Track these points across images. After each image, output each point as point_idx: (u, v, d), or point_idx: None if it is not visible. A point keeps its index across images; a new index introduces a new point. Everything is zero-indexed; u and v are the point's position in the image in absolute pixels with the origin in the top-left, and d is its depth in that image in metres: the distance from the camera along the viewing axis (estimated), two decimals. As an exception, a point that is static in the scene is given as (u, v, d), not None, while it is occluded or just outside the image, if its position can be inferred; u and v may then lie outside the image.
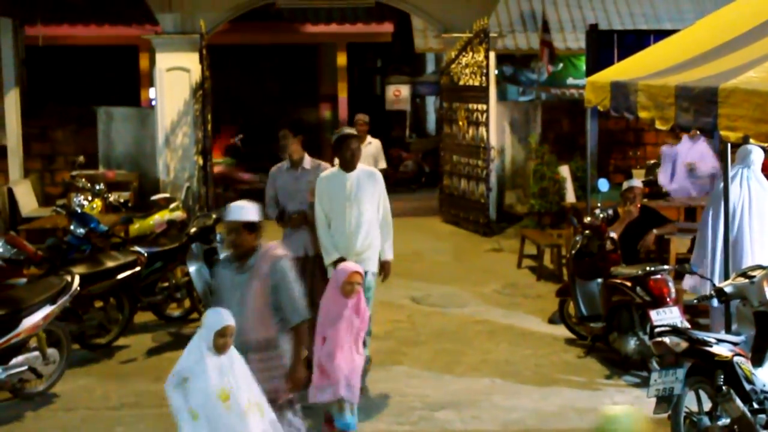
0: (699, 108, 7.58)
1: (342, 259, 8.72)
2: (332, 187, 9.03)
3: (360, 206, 9.00)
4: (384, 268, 9.41)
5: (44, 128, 17.98)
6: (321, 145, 20.33)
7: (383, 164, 14.24)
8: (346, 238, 9.00)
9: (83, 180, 14.60)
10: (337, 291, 7.68)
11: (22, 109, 17.42)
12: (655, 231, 10.65)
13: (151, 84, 19.83)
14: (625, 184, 10.95)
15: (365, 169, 9.23)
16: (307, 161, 9.40)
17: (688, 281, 9.52)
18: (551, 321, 11.36)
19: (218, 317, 6.32)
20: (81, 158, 16.00)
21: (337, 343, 7.60)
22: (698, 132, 14.43)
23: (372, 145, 14.41)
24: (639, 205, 10.80)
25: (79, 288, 9.51)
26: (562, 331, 10.89)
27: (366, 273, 8.61)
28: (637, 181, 11.18)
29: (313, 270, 9.23)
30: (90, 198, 14.08)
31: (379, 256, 9.30)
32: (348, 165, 9.05)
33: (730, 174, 9.01)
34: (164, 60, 17.36)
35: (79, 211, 12.21)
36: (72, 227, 11.32)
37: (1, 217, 15.61)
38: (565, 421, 8.44)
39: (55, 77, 22.89)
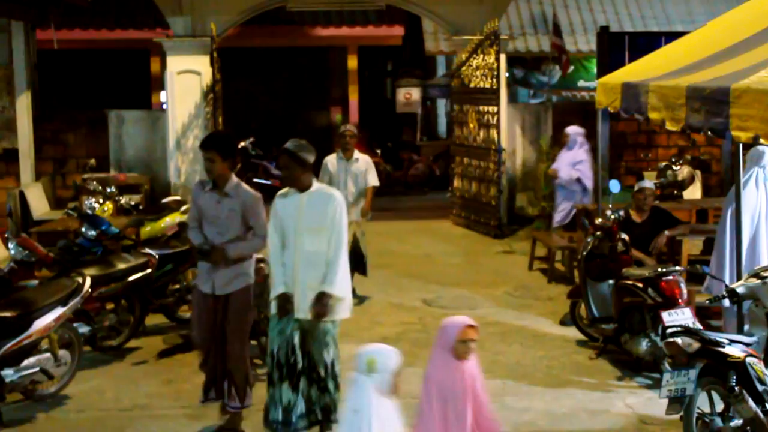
0: (710, 108, 7.54)
1: (286, 296, 7.73)
2: (285, 207, 7.89)
3: (310, 232, 7.75)
4: (318, 301, 7.72)
5: (56, 131, 18.01)
6: (332, 150, 20.28)
7: (373, 181, 12.67)
8: (292, 269, 7.78)
9: (94, 183, 14.63)
10: (449, 354, 6.27)
11: (33, 113, 17.46)
12: (666, 232, 10.63)
13: (162, 87, 19.87)
14: (637, 186, 10.94)
15: (322, 189, 7.95)
16: (231, 184, 8.07)
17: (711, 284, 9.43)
18: (562, 323, 11.35)
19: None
20: (92, 161, 16.07)
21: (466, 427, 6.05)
22: (578, 138, 14.48)
23: (360, 162, 12.61)
24: (650, 207, 10.78)
25: (90, 290, 9.52)
26: (573, 332, 10.87)
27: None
28: (648, 182, 11.15)
29: (217, 310, 8.14)
30: (101, 201, 14.11)
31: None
32: (291, 184, 7.89)
33: (745, 176, 9.01)
34: (175, 63, 17.39)
35: (91, 213, 12.24)
36: (83, 230, 11.33)
37: (13, 219, 15.64)
38: (577, 423, 8.43)
39: (66, 81, 22.95)
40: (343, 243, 7.79)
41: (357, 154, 12.62)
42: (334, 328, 7.98)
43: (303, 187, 7.82)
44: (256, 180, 21.63)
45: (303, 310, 7.72)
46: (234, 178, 8.11)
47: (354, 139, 12.65)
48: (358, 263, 12.23)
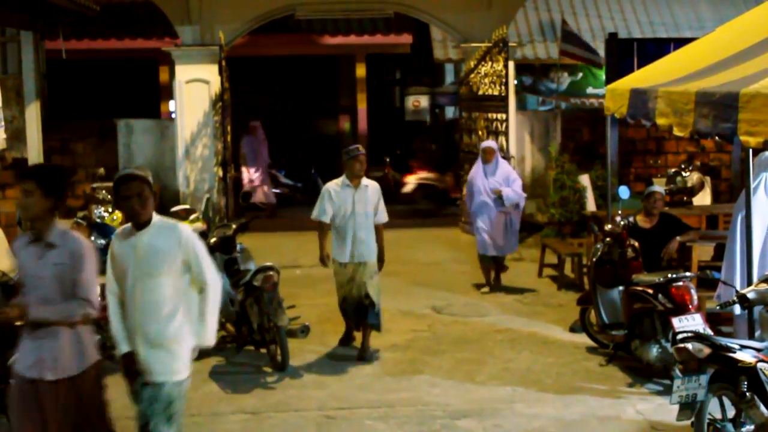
0: (719, 113, 7.53)
1: (131, 354, 6.53)
2: (122, 249, 6.50)
3: (153, 277, 6.39)
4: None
5: (65, 141, 18.06)
6: (339, 158, 20.30)
7: (385, 217, 10.82)
8: (133, 322, 6.52)
9: (104, 192, 14.66)
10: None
11: (42, 123, 17.48)
12: (678, 238, 10.59)
13: (171, 96, 19.89)
14: (646, 190, 10.91)
15: (163, 223, 6.53)
16: (56, 231, 6.14)
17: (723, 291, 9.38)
18: (572, 330, 11.33)
19: None
20: (101, 170, 16.08)
21: None
22: (495, 152, 13.73)
23: (369, 191, 10.65)
24: (659, 213, 10.74)
25: (100, 298, 9.50)
26: (583, 339, 10.85)
27: (162, 384, 6.46)
28: (658, 187, 11.10)
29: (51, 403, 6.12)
30: (110, 210, 14.14)
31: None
32: (132, 218, 6.47)
33: (754, 182, 8.98)
34: (184, 72, 17.43)
35: (100, 222, 12.30)
36: (93, 238, 11.36)
37: (23, 229, 15.65)
38: (588, 430, 8.40)
39: (75, 90, 22.99)
40: (213, 282, 6.54)
41: (365, 179, 10.67)
42: (179, 394, 6.54)
43: (143, 221, 6.46)
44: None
45: (148, 373, 6.49)
46: (59, 224, 6.19)
47: (366, 162, 10.61)
48: (362, 313, 10.67)
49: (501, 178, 13.61)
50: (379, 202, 10.70)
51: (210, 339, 6.56)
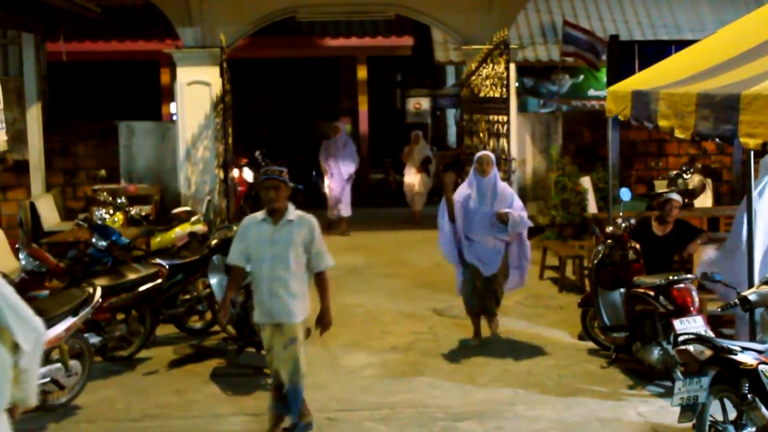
0: (720, 115, 7.53)
1: None
2: None
3: None
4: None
5: (66, 143, 18.05)
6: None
7: (322, 263, 8.26)
8: None
9: (105, 194, 14.68)
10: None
11: (44, 125, 17.50)
12: (699, 241, 10.46)
13: (172, 98, 19.90)
14: (664, 197, 10.67)
15: None
16: None
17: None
18: (580, 338, 11.19)
19: None
20: (102, 172, 16.10)
21: None
22: (494, 164, 11.04)
23: (298, 226, 8.10)
24: (674, 219, 10.59)
25: (101, 300, 9.53)
26: (584, 341, 10.84)
27: None
28: (676, 195, 10.86)
29: None
30: (111, 211, 14.16)
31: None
32: None
33: (758, 186, 8.99)
34: (185, 74, 17.43)
35: (101, 224, 12.30)
36: (94, 240, 11.35)
37: (23, 230, 15.67)
38: (589, 432, 8.40)
39: (76, 92, 23.01)
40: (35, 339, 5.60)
41: (292, 211, 8.12)
42: None
43: None
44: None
45: None
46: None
47: (286, 190, 8.09)
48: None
49: (507, 196, 11.04)
50: (314, 243, 8.09)
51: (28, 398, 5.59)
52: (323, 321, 8.23)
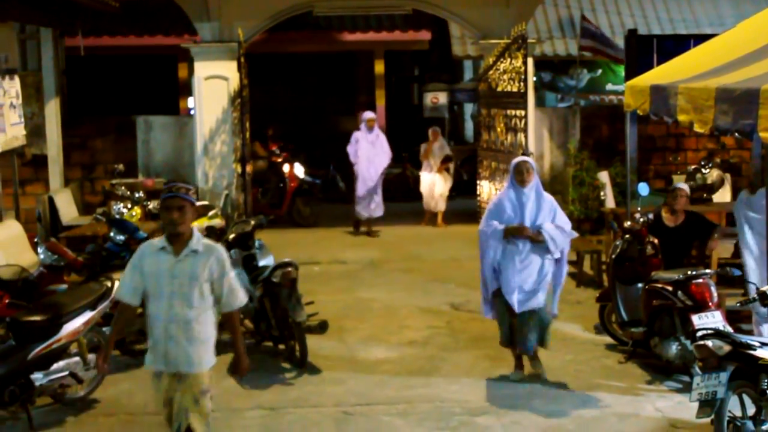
0: (739, 109, 7.50)
1: None
2: None
3: None
4: None
5: (84, 137, 18.12)
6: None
7: (235, 300, 6.91)
8: None
9: (123, 188, 14.71)
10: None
11: (62, 119, 17.56)
12: (716, 235, 10.47)
13: (190, 93, 19.93)
14: (671, 186, 10.80)
15: None
16: None
17: None
18: (597, 329, 11.17)
19: None
20: (120, 167, 16.12)
21: None
22: (534, 171, 9.59)
23: (200, 258, 6.71)
24: (683, 210, 10.61)
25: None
26: (602, 336, 10.82)
27: None
28: (683, 184, 10.94)
29: None
30: (129, 206, 14.19)
31: None
32: None
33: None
34: (203, 68, 17.45)
35: (119, 218, 12.32)
36: (112, 234, 11.38)
37: (42, 225, 15.73)
38: (606, 427, 8.38)
39: (94, 87, 23.03)
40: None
41: (198, 239, 6.70)
42: None
43: None
44: (283, 185, 21.65)
45: None
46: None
47: (192, 211, 6.70)
48: None
49: (549, 209, 9.54)
50: (224, 278, 6.75)
51: None
52: (239, 368, 7.05)
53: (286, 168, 19.15)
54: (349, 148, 17.84)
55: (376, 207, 17.76)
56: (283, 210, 18.86)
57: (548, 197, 9.54)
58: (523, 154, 15.90)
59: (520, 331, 9.38)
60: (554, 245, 9.28)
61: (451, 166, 19.54)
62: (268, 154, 20.41)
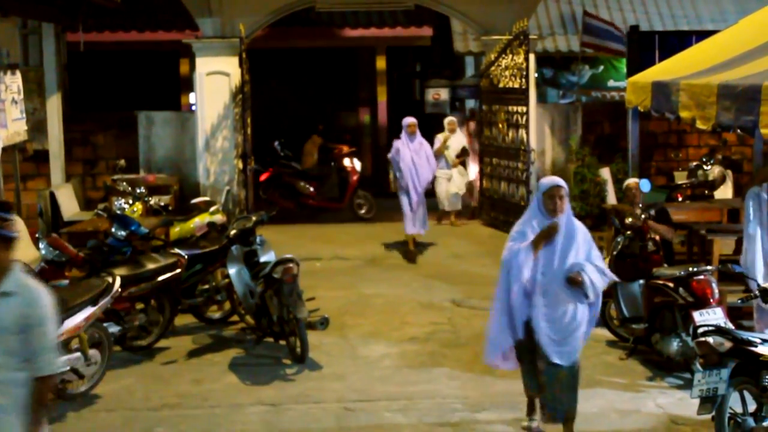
0: (741, 106, 7.51)
1: None
2: None
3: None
4: None
5: (86, 133, 18.10)
6: (360, 149, 20.31)
7: (45, 365, 5.26)
8: None
9: (124, 184, 14.71)
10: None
11: (63, 114, 17.55)
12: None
13: (192, 88, 19.91)
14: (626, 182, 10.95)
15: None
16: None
17: None
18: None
19: None
20: (122, 162, 16.13)
21: None
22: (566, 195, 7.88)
23: (12, 304, 5.26)
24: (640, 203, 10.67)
25: (120, 290, 9.56)
26: (603, 333, 10.81)
27: None
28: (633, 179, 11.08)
29: None
30: (131, 201, 14.19)
31: None
32: None
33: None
34: (204, 64, 17.44)
35: (120, 214, 12.32)
36: (113, 230, 11.38)
37: (43, 220, 15.73)
38: (608, 423, 8.38)
39: (96, 82, 23.04)
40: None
41: (14, 277, 5.34)
42: None
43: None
44: (287, 180, 21.64)
45: None
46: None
47: (3, 249, 5.33)
48: None
49: (582, 242, 7.80)
50: (36, 331, 5.20)
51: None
52: None
53: (347, 162, 19.17)
54: (392, 158, 15.67)
55: (420, 223, 15.46)
56: (345, 203, 18.98)
57: (581, 227, 7.83)
58: (524, 151, 15.89)
59: (549, 390, 7.76)
60: (593, 292, 7.58)
61: (468, 160, 18.56)
62: (330, 148, 20.40)
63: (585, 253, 7.65)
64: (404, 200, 15.29)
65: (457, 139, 17.92)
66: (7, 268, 5.20)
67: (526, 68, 16.43)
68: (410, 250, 15.55)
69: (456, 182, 17.90)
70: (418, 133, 15.60)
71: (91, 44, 19.73)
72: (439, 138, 17.67)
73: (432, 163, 15.69)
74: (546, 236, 7.57)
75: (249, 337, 11.07)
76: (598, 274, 7.58)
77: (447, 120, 18.11)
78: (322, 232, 17.67)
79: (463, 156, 18.08)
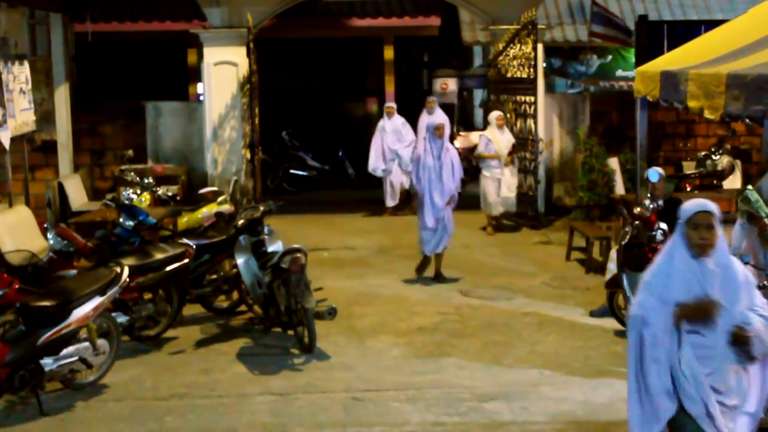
0: (750, 96, 7.46)
1: None
2: None
3: None
4: None
5: (94, 123, 18.13)
6: (368, 139, 20.25)
7: None
8: None
9: (132, 174, 14.72)
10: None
11: (72, 105, 17.58)
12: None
13: (199, 78, 19.92)
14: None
15: None
16: None
17: None
18: (592, 314, 11.26)
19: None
20: (130, 152, 16.15)
21: None
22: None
23: None
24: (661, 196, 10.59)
25: (128, 280, 9.57)
26: (611, 322, 10.80)
27: None
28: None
29: None
30: (139, 191, 14.20)
31: None
32: None
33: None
34: (212, 54, 17.44)
35: (128, 204, 12.32)
36: (121, 220, 11.40)
37: (51, 210, 15.76)
38: (615, 413, 8.35)
39: (104, 73, 23.06)
40: None
41: None
42: None
43: None
44: (293, 171, 21.67)
45: None
46: None
47: None
48: None
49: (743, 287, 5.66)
50: None
51: None
52: None
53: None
54: (412, 169, 13.80)
55: (446, 237, 13.34)
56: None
57: (739, 266, 5.69)
58: (533, 141, 15.81)
59: None
60: (762, 349, 5.55)
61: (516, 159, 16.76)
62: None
63: (749, 300, 5.62)
64: (420, 218, 13.25)
65: (506, 137, 16.40)
66: None
67: (534, 58, 16.41)
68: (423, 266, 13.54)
69: (508, 183, 16.31)
70: (446, 138, 13.45)
71: (98, 34, 19.73)
72: (485, 136, 16.36)
73: (457, 173, 13.17)
74: (697, 316, 5.53)
75: (257, 327, 11.08)
76: (766, 329, 5.54)
77: (495, 115, 16.57)
78: (329, 222, 17.67)
79: (513, 153, 16.42)
